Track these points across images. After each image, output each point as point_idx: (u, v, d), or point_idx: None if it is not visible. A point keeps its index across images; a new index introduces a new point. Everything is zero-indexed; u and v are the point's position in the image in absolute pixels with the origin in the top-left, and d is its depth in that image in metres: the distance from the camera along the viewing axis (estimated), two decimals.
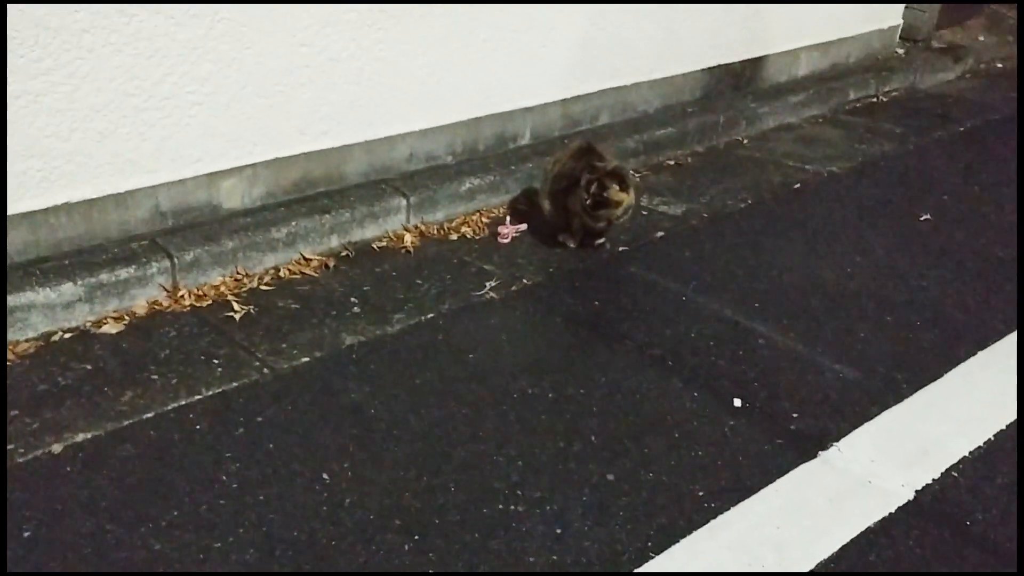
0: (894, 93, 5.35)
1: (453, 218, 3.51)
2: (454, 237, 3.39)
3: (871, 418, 2.47)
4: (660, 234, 3.49)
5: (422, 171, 3.59)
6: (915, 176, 4.16)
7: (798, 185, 4.00)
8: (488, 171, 3.65)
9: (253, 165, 3.15)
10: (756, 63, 4.82)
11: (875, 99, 5.25)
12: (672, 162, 4.22)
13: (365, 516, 2.04)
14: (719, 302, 3.00)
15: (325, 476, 2.15)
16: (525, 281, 3.10)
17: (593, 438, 2.33)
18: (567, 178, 3.24)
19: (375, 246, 3.26)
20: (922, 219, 3.69)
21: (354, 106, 3.32)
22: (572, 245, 3.34)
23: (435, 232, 3.41)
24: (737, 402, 2.52)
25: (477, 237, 3.40)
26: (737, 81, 4.75)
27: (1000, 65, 6.04)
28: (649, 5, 4.12)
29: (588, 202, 3.14)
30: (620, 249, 3.36)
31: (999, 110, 5.15)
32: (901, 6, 5.58)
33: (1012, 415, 2.49)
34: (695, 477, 2.21)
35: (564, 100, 4.01)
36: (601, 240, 3.35)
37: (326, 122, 3.26)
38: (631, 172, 3.44)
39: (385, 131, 3.45)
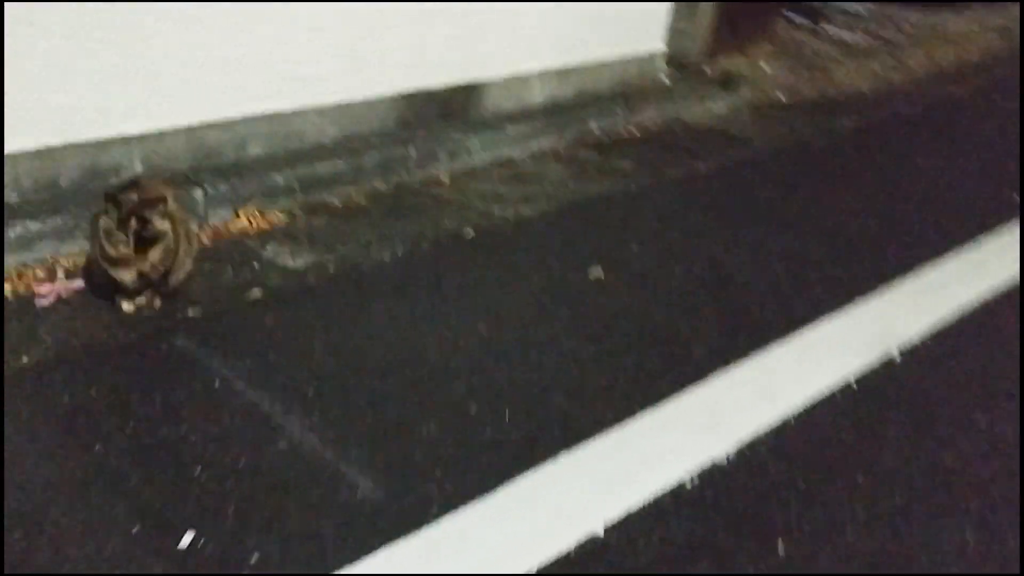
0: (648, 125, 4.83)
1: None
2: None
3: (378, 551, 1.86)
4: (256, 294, 2.85)
5: None
6: (614, 222, 3.60)
7: (472, 234, 3.40)
8: (60, 212, 2.95)
9: None
10: (470, 90, 4.23)
11: (623, 132, 4.72)
12: (337, 202, 3.59)
13: None
14: (265, 391, 2.37)
15: None
16: (24, 360, 2.41)
17: None
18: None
19: None
20: (592, 277, 3.12)
21: None
22: (128, 309, 2.67)
23: None
24: (187, 538, 1.87)
25: (13, 296, 2.70)
26: (445, 110, 4.16)
27: (782, 97, 5.60)
28: (324, 18, 3.50)
29: (113, 247, 2.51)
30: (189, 315, 2.70)
31: (757, 147, 4.67)
32: (661, 29, 5.08)
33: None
34: None
35: (193, 127, 3.35)
36: (158, 301, 2.70)
37: None
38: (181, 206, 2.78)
39: None
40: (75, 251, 2.95)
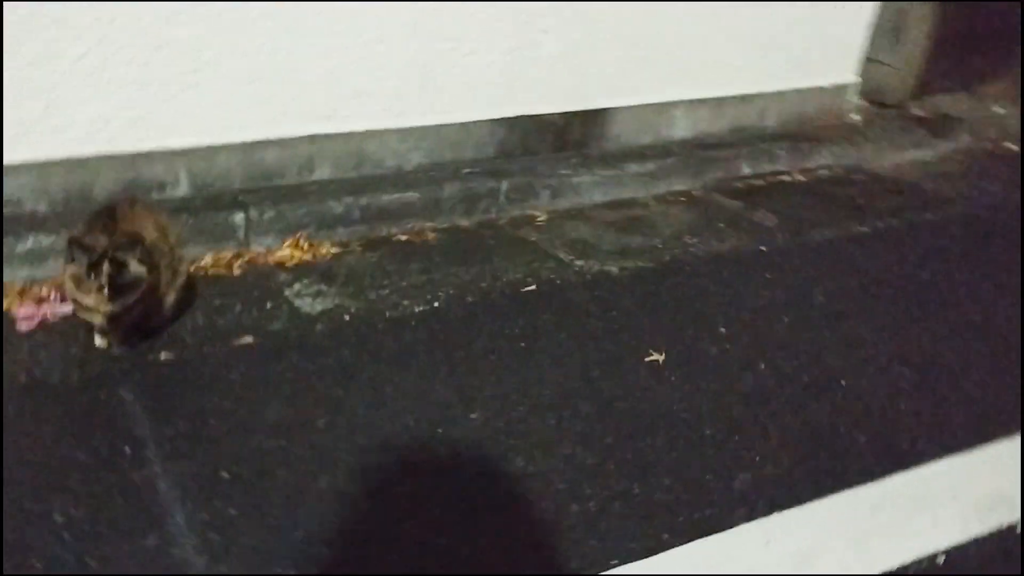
0: (819, 172, 4.05)
1: None
2: None
3: None
4: (247, 340, 2.50)
5: None
6: (715, 292, 2.93)
7: (533, 287, 2.88)
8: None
9: None
10: (592, 117, 3.69)
11: (787, 177, 3.98)
12: (404, 237, 3.18)
13: None
14: (173, 468, 2.00)
15: None
16: None
17: None
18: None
19: None
20: (649, 359, 2.50)
21: None
22: (100, 344, 2.41)
23: None
24: None
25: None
26: (559, 139, 3.64)
27: (1013, 147, 4.56)
28: (406, 24, 3.13)
29: (85, 295, 2.25)
30: (160, 358, 2.39)
31: (957, 209, 3.77)
32: (854, 58, 4.26)
33: None
34: None
35: (249, 143, 3.07)
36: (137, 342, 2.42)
37: None
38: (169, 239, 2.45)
39: None
40: None
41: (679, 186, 3.73)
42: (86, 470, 1.95)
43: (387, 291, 2.80)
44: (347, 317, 2.64)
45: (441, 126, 3.37)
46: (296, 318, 2.62)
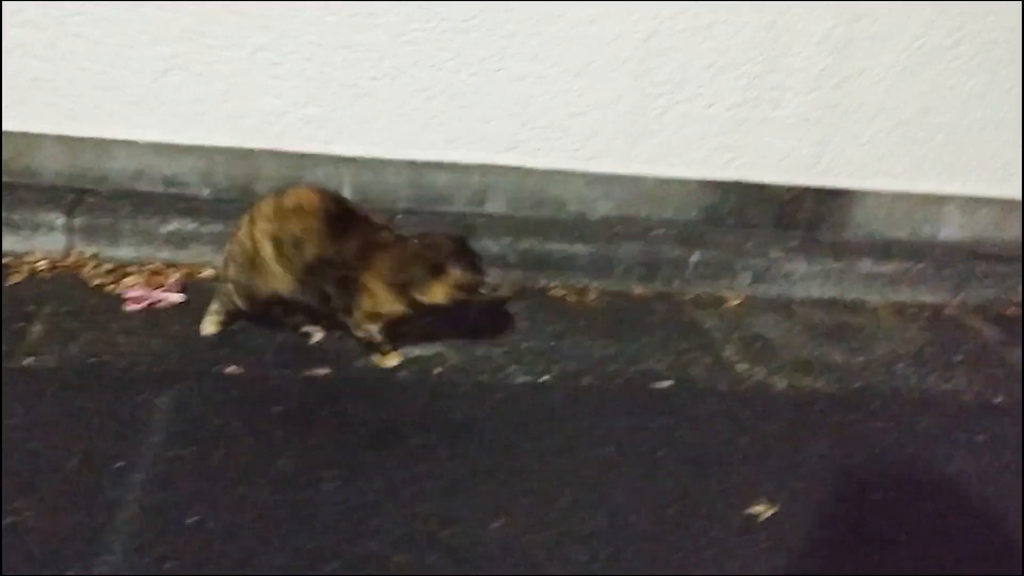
0: None
1: (134, 262, 2.67)
2: (96, 282, 2.57)
3: None
4: (325, 373, 2.29)
5: (138, 194, 2.81)
6: (888, 445, 2.26)
7: (669, 383, 2.41)
8: (220, 216, 2.72)
9: None
10: (831, 197, 3.08)
11: None
12: (562, 293, 2.84)
13: None
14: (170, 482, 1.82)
15: None
16: (50, 362, 2.19)
17: None
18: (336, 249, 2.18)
19: None
20: (750, 510, 1.95)
21: None
22: (319, 336, 2.39)
23: (82, 270, 2.62)
24: None
25: (114, 292, 2.53)
26: (782, 215, 3.08)
27: None
28: (616, 60, 2.81)
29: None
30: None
31: None
32: None
33: None
34: None
35: (416, 162, 2.89)
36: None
37: None
38: None
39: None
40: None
41: (927, 297, 3.01)
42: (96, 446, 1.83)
43: (502, 349, 2.47)
44: (437, 370, 2.34)
45: (639, 177, 2.97)
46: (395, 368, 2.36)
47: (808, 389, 2.44)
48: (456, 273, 2.13)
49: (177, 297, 2.52)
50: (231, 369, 2.23)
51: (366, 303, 2.18)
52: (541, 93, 2.82)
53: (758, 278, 2.93)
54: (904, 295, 3.00)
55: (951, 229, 3.18)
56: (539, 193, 2.97)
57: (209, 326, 2.36)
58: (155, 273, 2.63)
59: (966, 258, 3.09)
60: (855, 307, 2.95)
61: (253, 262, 2.18)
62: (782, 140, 2.96)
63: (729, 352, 2.59)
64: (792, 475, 2.06)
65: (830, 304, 2.94)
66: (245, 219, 2.22)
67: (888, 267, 3.00)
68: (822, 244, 3.04)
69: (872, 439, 2.25)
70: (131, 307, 2.46)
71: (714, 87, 2.87)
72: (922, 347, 2.75)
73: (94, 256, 2.65)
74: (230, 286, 2.26)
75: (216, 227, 2.68)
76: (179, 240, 2.69)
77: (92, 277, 2.57)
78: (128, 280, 2.58)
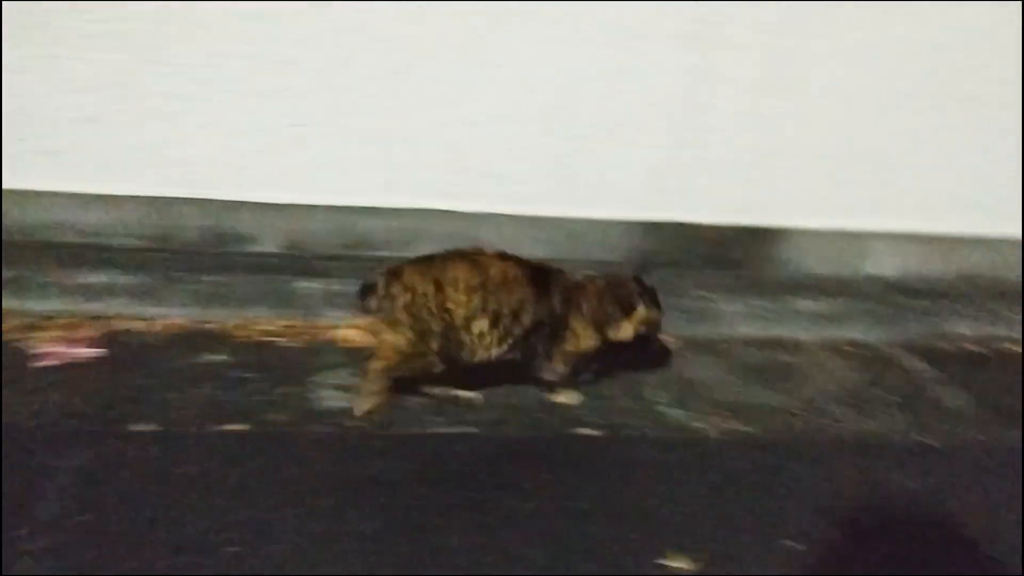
0: None
1: (52, 315, 2.60)
2: (9, 336, 2.49)
3: None
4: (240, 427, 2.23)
5: (55, 245, 2.74)
6: (820, 492, 2.24)
7: (594, 432, 2.37)
8: (140, 267, 2.67)
9: None
10: (759, 235, 3.09)
11: (1016, 348, 3.12)
12: None
13: None
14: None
15: None
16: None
17: None
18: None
19: None
20: (664, 561, 1.91)
21: None
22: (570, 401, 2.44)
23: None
24: None
25: (28, 348, 2.46)
26: (712, 253, 3.09)
27: None
28: (545, 104, 2.80)
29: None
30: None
31: None
32: None
33: None
34: None
35: (349, 207, 2.86)
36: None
37: None
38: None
39: None
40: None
41: (858, 334, 3.02)
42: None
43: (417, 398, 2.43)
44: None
45: (568, 219, 2.97)
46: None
47: (741, 436, 2.42)
48: (642, 311, 2.31)
49: (94, 352, 2.45)
50: (140, 427, 2.17)
51: (569, 343, 2.31)
52: (471, 139, 2.81)
53: (691, 319, 2.92)
54: (835, 332, 3.01)
55: (879, 266, 3.20)
56: (470, 236, 2.94)
57: (366, 404, 2.28)
58: (72, 326, 2.56)
59: (898, 294, 3.11)
60: (791, 346, 2.94)
61: (448, 335, 2.19)
62: (710, 180, 2.97)
63: (661, 397, 2.57)
64: (712, 527, 2.03)
65: (764, 344, 2.94)
66: (422, 291, 2.20)
67: (819, 304, 3.01)
68: (752, 282, 3.05)
69: (804, 485, 2.22)
70: (45, 363, 2.39)
71: (642, 130, 2.88)
72: (855, 386, 2.74)
73: (9, 310, 2.58)
74: (432, 358, 2.22)
75: (136, 279, 2.62)
76: (96, 292, 2.63)
77: (5, 331, 2.50)
78: (43, 335, 2.50)
